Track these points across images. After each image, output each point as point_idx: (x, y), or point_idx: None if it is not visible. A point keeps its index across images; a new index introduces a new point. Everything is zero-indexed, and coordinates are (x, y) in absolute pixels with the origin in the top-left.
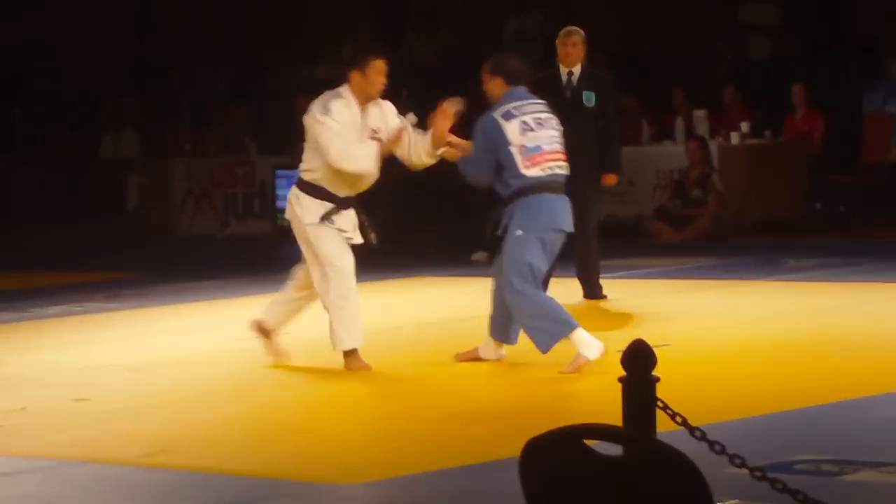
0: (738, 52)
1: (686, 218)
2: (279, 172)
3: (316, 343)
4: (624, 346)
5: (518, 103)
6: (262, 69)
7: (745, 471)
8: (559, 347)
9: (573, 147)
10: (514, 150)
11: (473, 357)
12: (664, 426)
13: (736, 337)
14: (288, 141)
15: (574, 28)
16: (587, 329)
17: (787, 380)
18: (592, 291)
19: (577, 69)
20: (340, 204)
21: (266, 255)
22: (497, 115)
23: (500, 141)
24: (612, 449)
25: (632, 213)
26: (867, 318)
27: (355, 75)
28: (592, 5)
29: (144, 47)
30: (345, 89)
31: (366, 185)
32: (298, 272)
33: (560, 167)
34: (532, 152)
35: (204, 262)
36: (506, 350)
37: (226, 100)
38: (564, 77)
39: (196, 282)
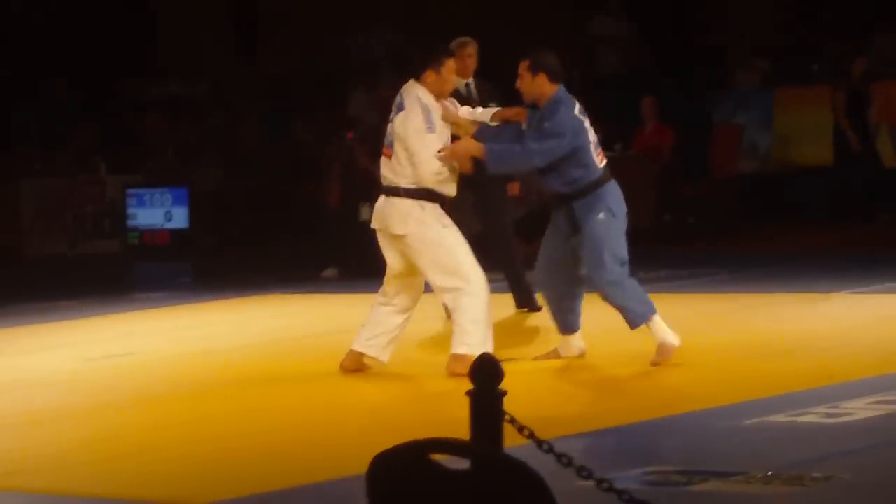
0: (588, 64)
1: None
2: (130, 191)
3: (159, 362)
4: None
5: (576, 101)
6: (112, 86)
7: (592, 483)
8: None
9: (479, 159)
10: (591, 146)
11: (554, 357)
12: (512, 440)
13: (588, 349)
14: (138, 159)
15: (468, 39)
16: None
17: (635, 391)
18: (524, 299)
19: (472, 81)
20: (448, 203)
21: (117, 274)
22: (577, 112)
23: (584, 140)
24: (460, 463)
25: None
26: (715, 329)
27: (431, 74)
28: (442, 19)
29: None
30: (423, 90)
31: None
32: (394, 296)
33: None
34: (599, 146)
35: (54, 283)
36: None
37: (75, 118)
38: (463, 89)
39: (46, 302)
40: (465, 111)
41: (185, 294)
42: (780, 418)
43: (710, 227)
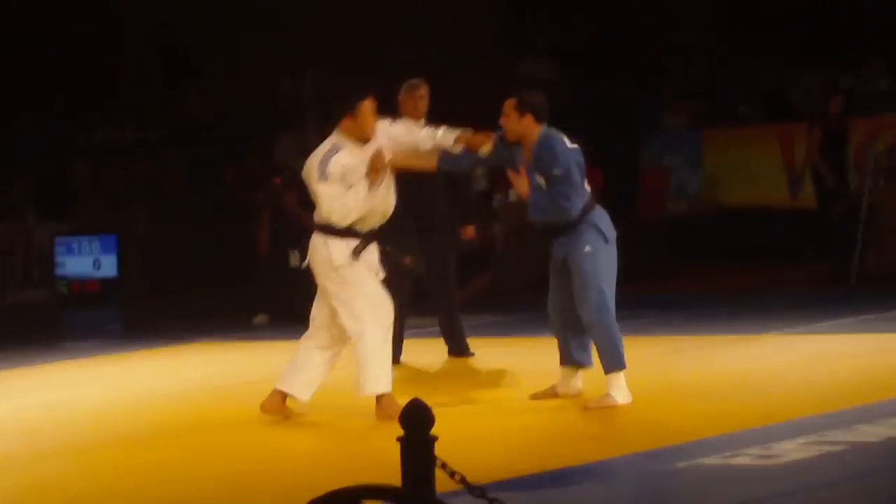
0: None
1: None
2: (58, 239)
3: (90, 411)
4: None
5: (562, 133)
6: (39, 134)
7: None
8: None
9: (429, 202)
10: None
11: (551, 395)
12: (444, 485)
13: (520, 393)
14: (67, 207)
15: (419, 80)
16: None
17: (567, 436)
18: (458, 348)
19: (422, 122)
20: (366, 238)
21: (46, 323)
22: (569, 144)
23: (583, 169)
24: None
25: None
26: (645, 372)
27: (347, 120)
28: (370, 61)
29: None
30: (339, 137)
31: (387, 216)
32: (318, 333)
33: None
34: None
35: None
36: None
37: (3, 165)
38: None
39: None
40: (425, 133)
41: (115, 342)
42: (713, 460)
43: (640, 270)
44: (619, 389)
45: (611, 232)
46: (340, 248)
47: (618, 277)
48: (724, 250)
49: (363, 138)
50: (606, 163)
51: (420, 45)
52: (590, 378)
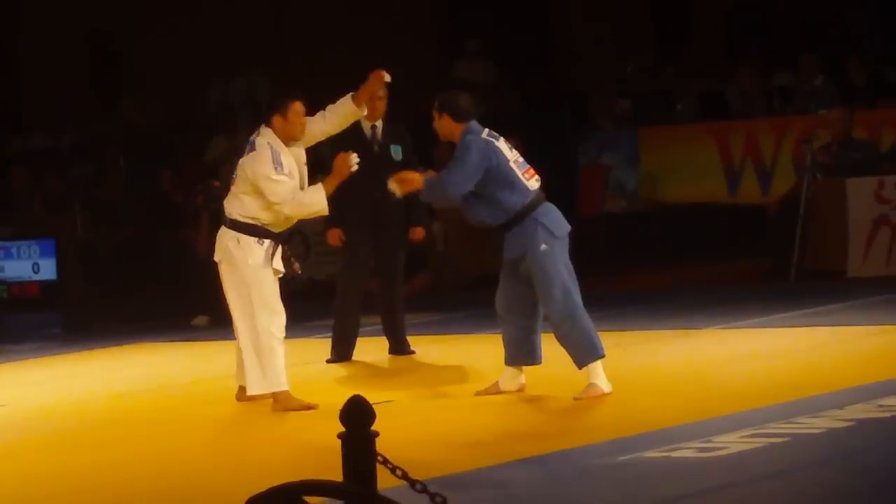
0: None
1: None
2: None
3: (32, 413)
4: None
5: (484, 128)
6: None
7: None
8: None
9: (381, 201)
10: (513, 165)
11: (494, 391)
12: (386, 481)
13: (461, 389)
14: (4, 212)
15: None
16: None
17: (509, 431)
18: (399, 346)
19: (379, 123)
20: (276, 239)
21: None
22: (484, 135)
23: (499, 158)
24: None
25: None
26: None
27: (277, 120)
28: (303, 64)
29: None
30: (271, 134)
31: (296, 220)
32: None
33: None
34: (524, 167)
35: None
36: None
37: None
38: (368, 131)
39: None
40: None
41: (55, 345)
42: (654, 454)
43: (579, 268)
44: (600, 377)
45: (560, 228)
46: (255, 249)
47: None
48: (663, 247)
49: (291, 138)
50: (544, 162)
51: (351, 47)
52: (572, 371)
